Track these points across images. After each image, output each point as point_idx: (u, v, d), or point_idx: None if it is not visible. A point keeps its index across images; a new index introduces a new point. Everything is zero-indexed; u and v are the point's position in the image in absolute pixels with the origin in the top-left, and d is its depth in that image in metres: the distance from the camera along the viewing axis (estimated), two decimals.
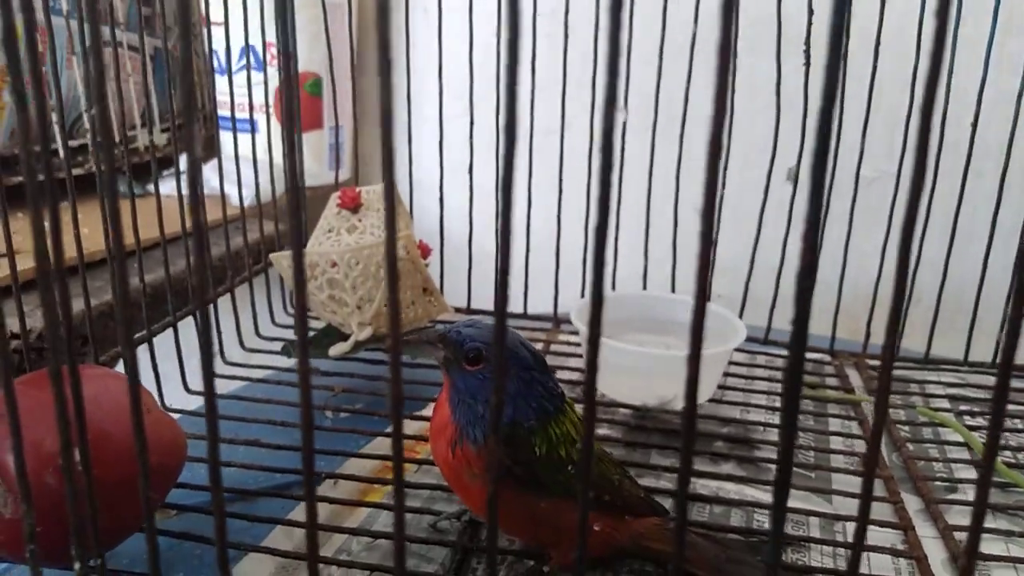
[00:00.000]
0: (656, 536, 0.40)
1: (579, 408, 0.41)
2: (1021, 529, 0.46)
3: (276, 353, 0.63)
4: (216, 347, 0.62)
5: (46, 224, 0.22)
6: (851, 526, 0.46)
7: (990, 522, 0.47)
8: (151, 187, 0.69)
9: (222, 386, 0.60)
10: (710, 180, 0.18)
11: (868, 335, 0.68)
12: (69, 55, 0.82)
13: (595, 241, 0.19)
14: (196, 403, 0.58)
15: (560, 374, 0.63)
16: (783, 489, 0.20)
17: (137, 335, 0.55)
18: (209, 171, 0.87)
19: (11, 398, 0.25)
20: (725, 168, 0.69)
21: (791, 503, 0.47)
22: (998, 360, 0.63)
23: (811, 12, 0.62)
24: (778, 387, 0.64)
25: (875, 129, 0.66)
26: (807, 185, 0.18)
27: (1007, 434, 0.57)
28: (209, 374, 0.22)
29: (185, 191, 0.59)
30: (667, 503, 0.46)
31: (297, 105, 0.74)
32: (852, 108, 0.63)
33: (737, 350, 0.59)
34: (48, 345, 0.24)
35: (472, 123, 0.71)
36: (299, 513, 0.45)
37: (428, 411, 0.52)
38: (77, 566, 0.25)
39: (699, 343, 0.19)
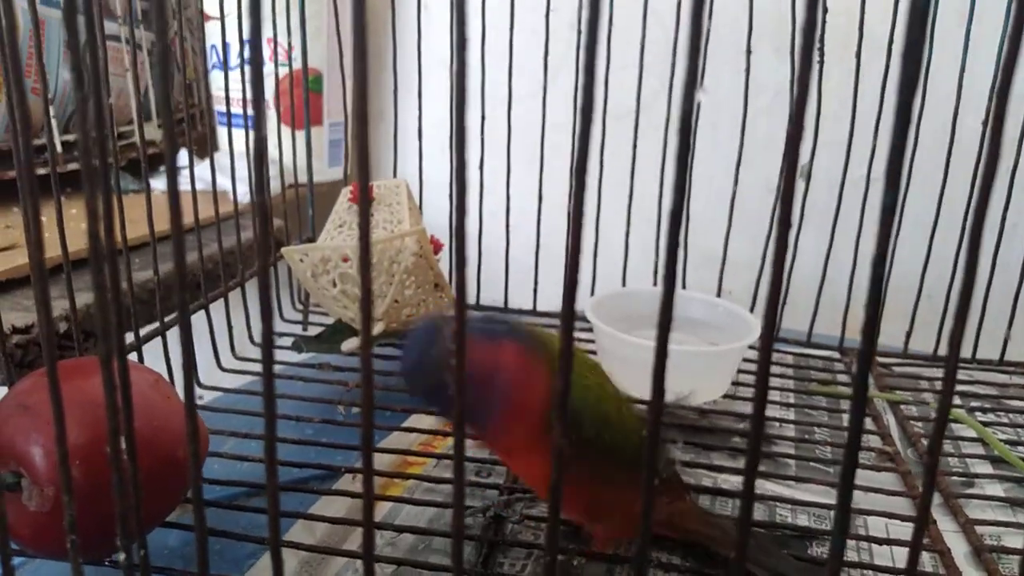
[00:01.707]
0: (691, 516, 0.40)
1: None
2: None
3: (286, 348, 0.63)
4: (227, 340, 0.61)
5: (99, 209, 0.22)
6: (871, 520, 0.46)
7: (1010, 516, 0.47)
8: (154, 181, 0.69)
9: (232, 381, 0.60)
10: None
11: (877, 333, 0.69)
12: (66, 49, 0.81)
13: (670, 226, 0.19)
14: (210, 396, 0.58)
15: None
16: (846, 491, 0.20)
17: (145, 329, 0.55)
18: (206, 167, 0.86)
19: (56, 393, 0.24)
20: (737, 166, 0.69)
21: (810, 497, 0.47)
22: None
23: (825, 11, 0.62)
24: (790, 383, 0.64)
25: (885, 130, 0.66)
26: (885, 186, 0.18)
27: (1020, 429, 0.57)
28: (267, 348, 0.21)
29: (187, 187, 0.59)
30: None
31: (306, 98, 0.73)
32: (864, 109, 0.63)
33: (751, 347, 0.59)
34: (98, 332, 0.24)
35: (483, 119, 0.71)
36: (320, 507, 0.45)
37: None
38: (123, 556, 0.25)
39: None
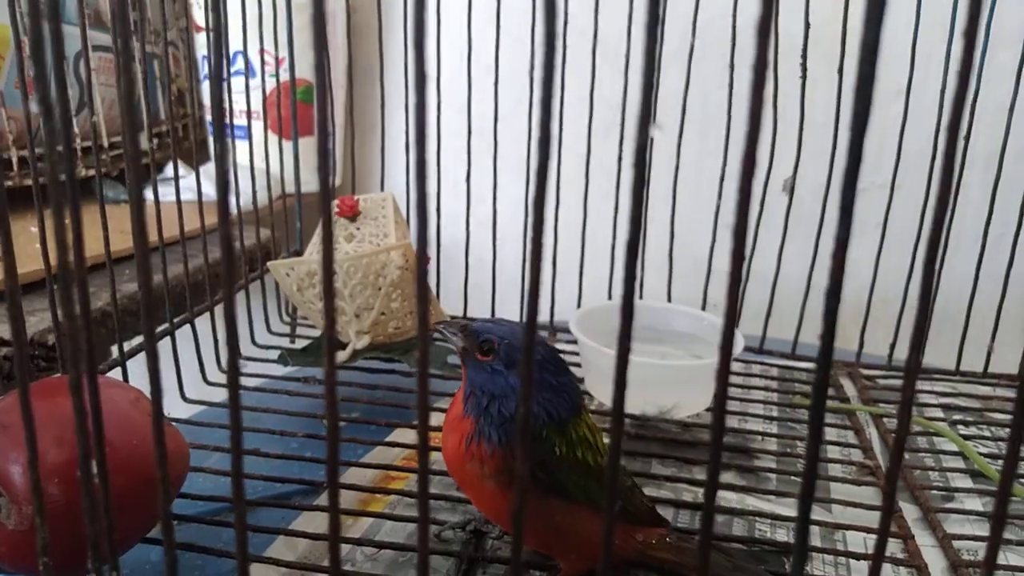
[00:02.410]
0: (661, 546, 0.40)
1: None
2: (1018, 538, 0.46)
3: (272, 361, 0.63)
4: (213, 354, 0.61)
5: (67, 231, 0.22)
6: (850, 535, 0.46)
7: (987, 531, 0.47)
8: (145, 192, 0.69)
9: (217, 394, 0.60)
10: (742, 204, 0.19)
11: (861, 345, 0.69)
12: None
13: (627, 256, 0.19)
14: (194, 410, 0.58)
15: None
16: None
17: (129, 347, 0.55)
18: (196, 178, 0.86)
19: (27, 411, 0.25)
20: (721, 179, 0.69)
21: (790, 512, 0.47)
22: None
23: (807, 26, 0.63)
24: (774, 396, 0.64)
25: (869, 139, 0.66)
26: (838, 204, 0.18)
27: (1000, 443, 0.58)
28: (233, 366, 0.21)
29: (172, 198, 0.59)
30: (668, 513, 0.46)
31: (293, 110, 0.74)
32: (844, 120, 0.63)
33: (734, 360, 0.59)
34: (66, 356, 0.24)
35: (469, 132, 0.71)
36: (301, 523, 0.45)
37: (433, 420, 0.52)
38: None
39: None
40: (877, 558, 0.22)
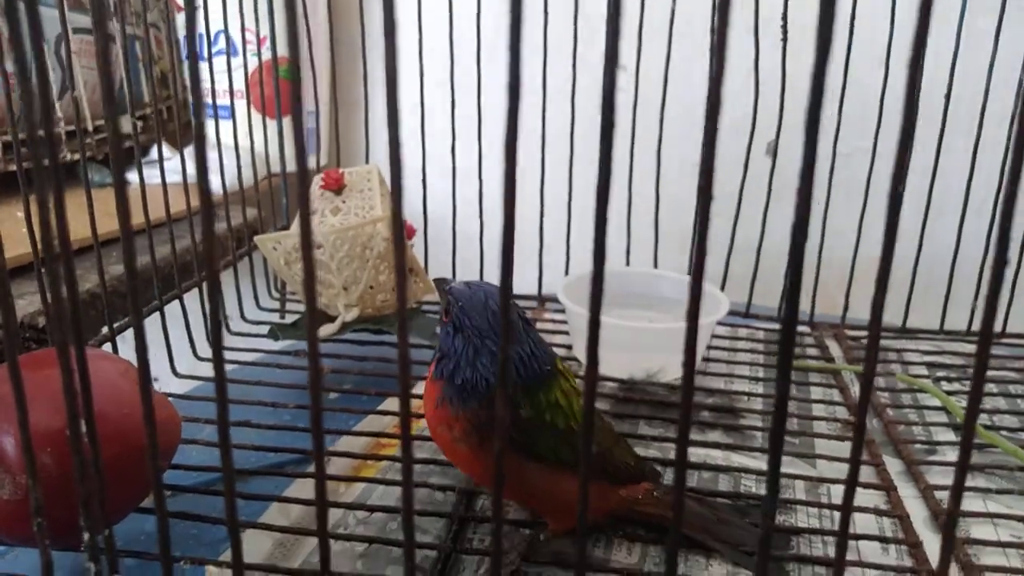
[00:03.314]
0: (648, 501, 0.41)
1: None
2: (998, 487, 0.47)
3: (263, 336, 0.63)
4: (203, 331, 0.62)
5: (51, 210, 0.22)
6: (835, 488, 0.47)
7: (968, 481, 0.48)
8: (130, 175, 0.69)
9: (208, 369, 0.60)
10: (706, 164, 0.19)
11: (847, 307, 0.70)
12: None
13: (596, 214, 0.20)
14: (187, 386, 0.58)
15: None
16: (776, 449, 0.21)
17: (118, 323, 0.55)
18: (180, 159, 0.86)
19: (17, 379, 0.25)
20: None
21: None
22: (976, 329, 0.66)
23: None
24: (760, 358, 0.65)
25: (849, 106, 0.67)
26: (800, 161, 0.19)
27: (984, 398, 0.59)
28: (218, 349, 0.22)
29: (157, 180, 0.59)
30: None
31: (276, 87, 0.74)
32: (827, 86, 0.64)
33: (720, 323, 0.60)
34: (52, 324, 0.24)
35: (453, 105, 0.71)
36: (294, 490, 0.46)
37: (421, 388, 0.53)
38: (86, 536, 0.26)
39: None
40: (847, 504, 0.23)
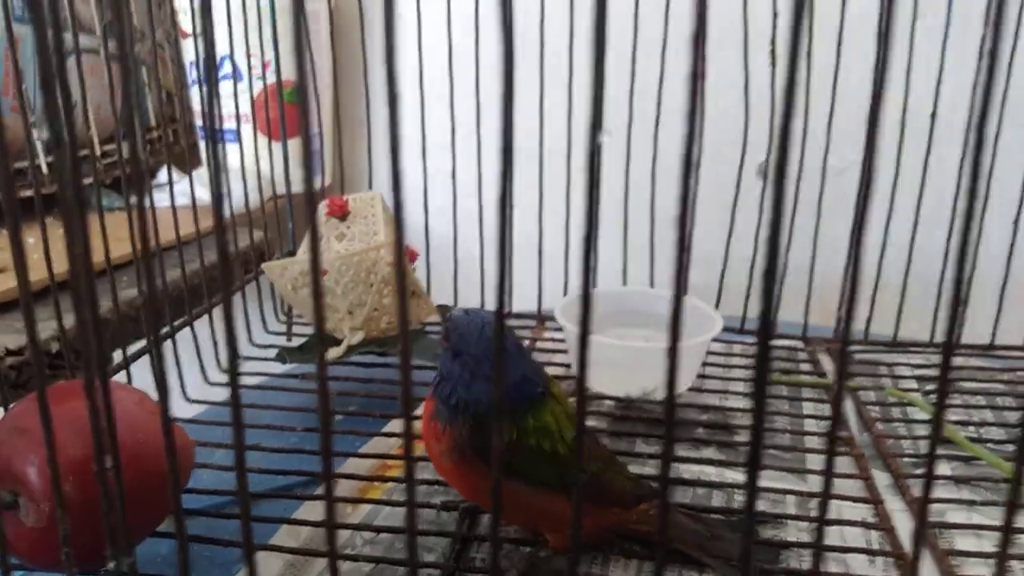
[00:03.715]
0: (643, 520, 0.43)
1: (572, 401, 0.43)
2: (983, 499, 0.49)
3: (271, 360, 0.65)
4: (213, 355, 0.64)
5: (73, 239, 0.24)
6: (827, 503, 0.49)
7: (954, 493, 0.50)
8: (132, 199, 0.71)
9: (218, 393, 0.62)
10: (683, 190, 0.21)
11: (839, 321, 0.71)
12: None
13: (583, 249, 0.22)
14: (197, 410, 0.60)
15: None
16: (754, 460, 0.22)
17: (131, 350, 0.57)
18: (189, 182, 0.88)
19: (45, 413, 0.27)
20: (698, 165, 0.71)
21: (768, 483, 0.50)
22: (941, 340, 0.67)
23: (775, 15, 0.65)
24: (751, 373, 0.66)
25: (840, 121, 0.68)
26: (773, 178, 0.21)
27: (970, 410, 0.60)
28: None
29: (166, 204, 0.61)
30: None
31: (281, 111, 0.76)
32: (818, 102, 0.66)
33: (715, 340, 0.61)
34: (83, 358, 0.26)
35: (453, 129, 0.73)
36: (303, 512, 0.48)
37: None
38: (112, 565, 0.27)
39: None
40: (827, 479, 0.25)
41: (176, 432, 0.43)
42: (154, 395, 0.54)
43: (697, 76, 0.21)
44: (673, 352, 0.22)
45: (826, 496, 0.25)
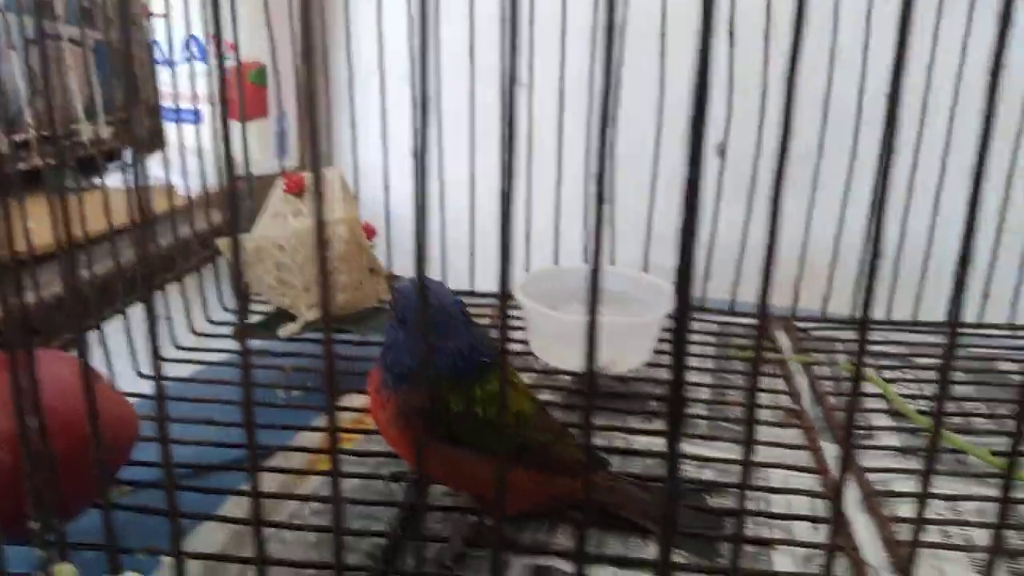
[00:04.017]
0: (593, 490, 0.43)
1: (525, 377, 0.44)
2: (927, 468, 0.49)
3: (227, 337, 0.65)
4: (167, 333, 0.63)
5: None
6: (773, 472, 0.49)
7: (903, 463, 0.51)
8: (96, 180, 0.70)
9: (175, 370, 0.62)
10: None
11: (796, 299, 0.72)
12: (7, 48, 0.81)
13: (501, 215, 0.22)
14: (150, 387, 0.59)
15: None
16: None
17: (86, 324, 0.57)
18: (154, 162, 0.88)
19: None
20: (657, 144, 0.72)
21: (719, 454, 0.51)
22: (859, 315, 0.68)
23: None
24: (710, 350, 0.67)
25: (803, 109, 0.69)
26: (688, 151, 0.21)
27: (923, 385, 0.61)
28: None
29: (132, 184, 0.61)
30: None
31: (240, 91, 0.75)
32: (771, 86, 0.66)
33: (671, 317, 0.62)
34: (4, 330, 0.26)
35: (415, 107, 0.73)
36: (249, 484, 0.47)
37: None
38: (37, 525, 0.27)
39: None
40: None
41: (117, 401, 0.42)
42: (107, 369, 0.53)
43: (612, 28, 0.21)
44: (592, 325, 0.22)
45: (749, 441, 0.25)
